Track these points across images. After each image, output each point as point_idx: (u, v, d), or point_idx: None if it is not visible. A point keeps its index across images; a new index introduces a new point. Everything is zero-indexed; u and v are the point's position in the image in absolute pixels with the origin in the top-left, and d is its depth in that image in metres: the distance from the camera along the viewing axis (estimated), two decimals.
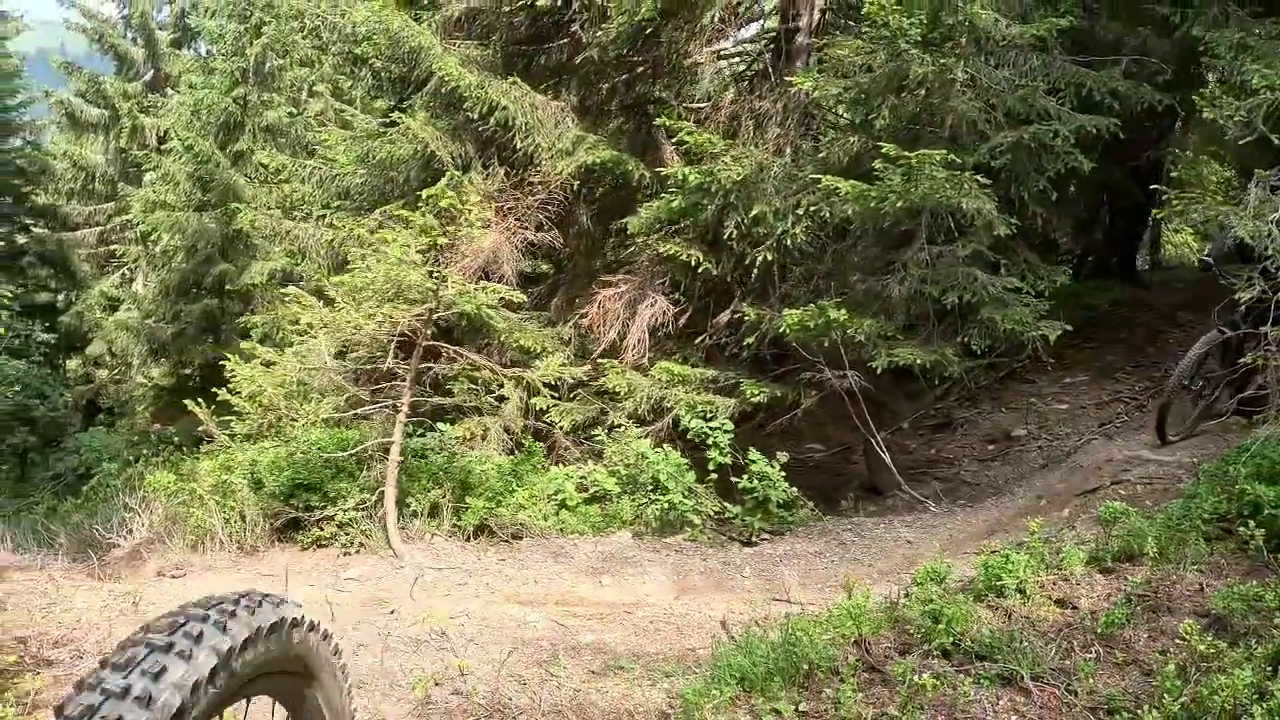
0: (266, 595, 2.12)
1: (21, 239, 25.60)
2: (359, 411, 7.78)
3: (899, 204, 7.82)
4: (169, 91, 24.88)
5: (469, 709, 4.17)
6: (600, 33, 9.62)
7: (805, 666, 4.16)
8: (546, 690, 4.41)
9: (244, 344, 8.30)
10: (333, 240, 11.18)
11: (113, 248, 25.25)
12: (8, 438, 19.74)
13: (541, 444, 9.26)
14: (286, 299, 7.72)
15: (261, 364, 8.04)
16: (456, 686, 4.40)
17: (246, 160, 19.76)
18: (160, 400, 20.93)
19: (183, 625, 1.85)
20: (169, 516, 8.54)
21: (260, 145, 19.29)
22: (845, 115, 9.13)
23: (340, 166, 11.72)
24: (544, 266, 11.67)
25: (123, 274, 25.62)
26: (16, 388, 18.75)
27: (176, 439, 14.25)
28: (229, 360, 8.50)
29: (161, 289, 20.65)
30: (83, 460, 19.67)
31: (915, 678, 3.89)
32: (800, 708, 3.95)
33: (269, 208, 15.11)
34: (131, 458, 15.86)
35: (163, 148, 22.42)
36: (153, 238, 21.02)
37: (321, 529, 7.54)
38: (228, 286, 19.80)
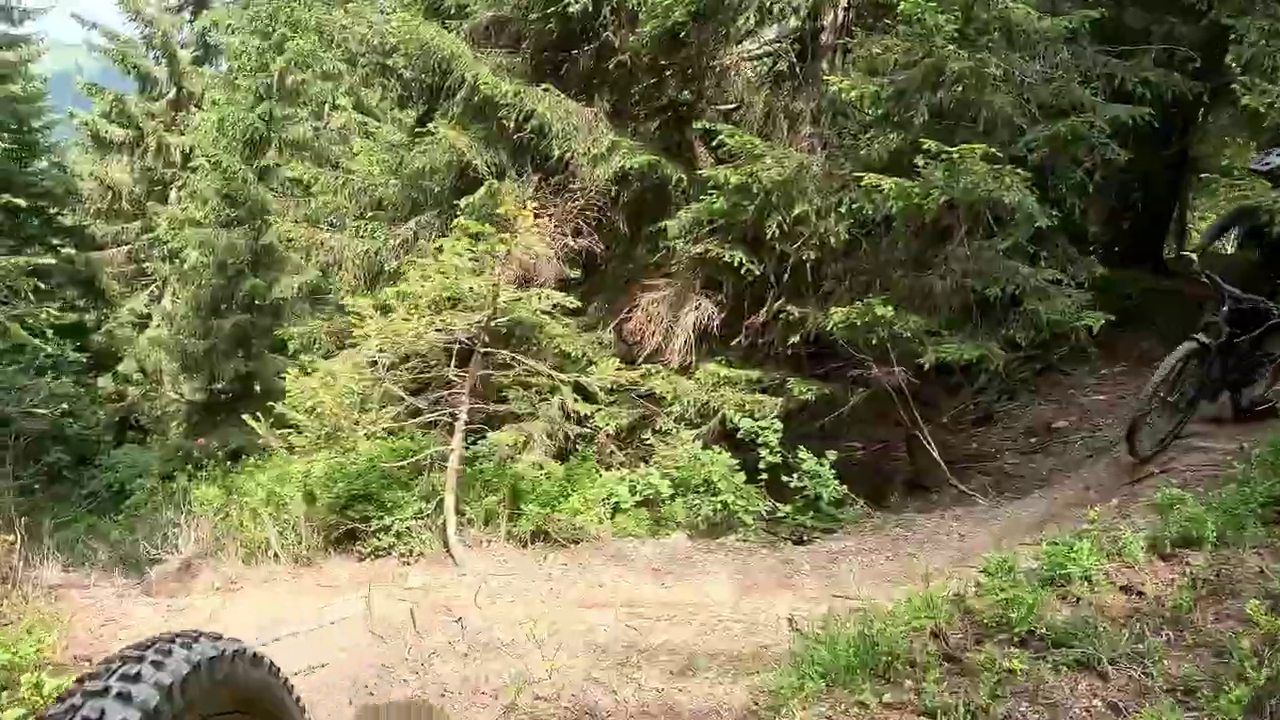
0: (204, 633, 2.10)
1: (51, 260, 25.79)
2: (418, 421, 7.82)
3: (942, 199, 7.84)
4: (193, 109, 25.05)
5: (556, 713, 4.22)
6: (632, 38, 9.66)
7: (885, 659, 4.22)
8: (628, 691, 4.46)
9: (303, 357, 8.35)
10: (368, 250, 11.27)
11: (141, 266, 25.41)
12: (43, 457, 19.85)
13: (591, 449, 9.30)
14: (348, 310, 7.74)
15: (320, 374, 8.08)
16: (539, 692, 4.44)
17: (273, 175, 19.90)
18: (194, 417, 21.07)
19: (119, 668, 1.85)
20: (219, 531, 8.60)
21: (286, 159, 19.41)
22: (876, 112, 9.12)
23: (373, 177, 11.79)
24: (578, 273, 11.72)
25: (151, 292, 25.78)
26: (49, 409, 18.83)
27: (220, 453, 14.35)
28: (287, 374, 8.56)
29: (192, 305, 20.75)
30: (118, 478, 19.84)
31: (1000, 664, 3.97)
32: (884, 699, 4.00)
33: (299, 221, 15.20)
34: (171, 473, 15.96)
35: (188, 165, 22.58)
36: (181, 255, 21.16)
37: (379, 539, 7.58)
38: (258, 301, 19.92)
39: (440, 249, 7.06)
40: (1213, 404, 7.90)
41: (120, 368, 24.81)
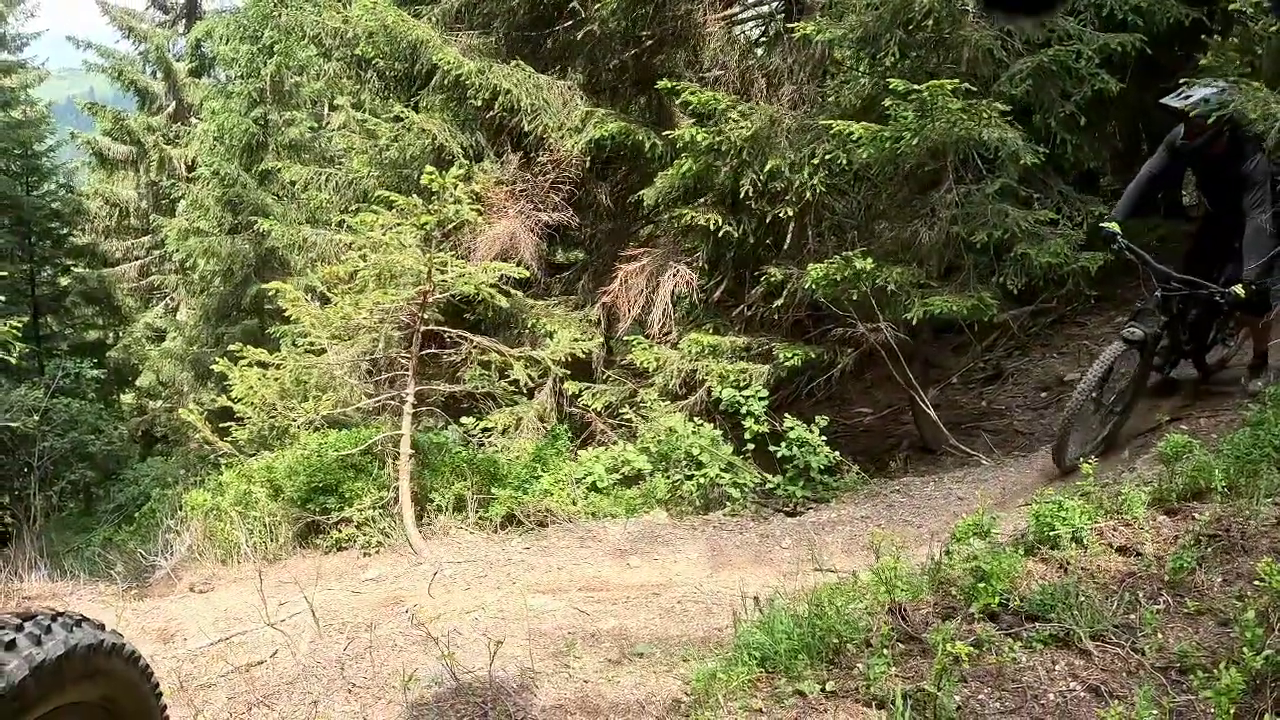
0: (88, 619, 1.96)
1: (64, 280, 26.02)
2: (363, 405, 7.59)
3: (915, 143, 7.44)
4: (192, 120, 25.12)
5: (461, 708, 3.92)
6: (599, 5, 9.37)
7: (834, 640, 3.83)
8: (554, 683, 4.15)
9: (231, 346, 8.16)
10: (350, 244, 11.07)
11: (153, 279, 25.55)
12: (68, 475, 19.96)
13: (580, 430, 9.08)
14: (271, 293, 7.54)
15: (255, 364, 7.87)
16: (453, 685, 4.15)
17: (273, 179, 19.80)
18: (213, 424, 21.05)
19: None
20: (205, 534, 8.49)
21: (285, 162, 19.31)
22: (845, 55, 8.76)
23: (354, 171, 11.62)
24: (575, 254, 11.49)
25: (165, 304, 25.93)
26: (68, 428, 18.89)
27: (212, 457, 14.28)
28: (217, 363, 8.39)
29: (202, 314, 20.83)
30: (143, 490, 19.91)
31: (950, 646, 3.47)
32: (827, 686, 3.62)
33: (296, 222, 15.10)
34: (171, 480, 15.99)
35: (191, 175, 22.62)
36: (189, 265, 21.20)
37: (340, 531, 7.40)
38: (266, 305, 19.86)
39: (363, 223, 6.79)
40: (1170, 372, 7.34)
41: (140, 381, 24.93)
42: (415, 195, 6.76)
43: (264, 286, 8.08)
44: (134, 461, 22.33)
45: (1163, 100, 6.56)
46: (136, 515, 16.53)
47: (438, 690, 4.06)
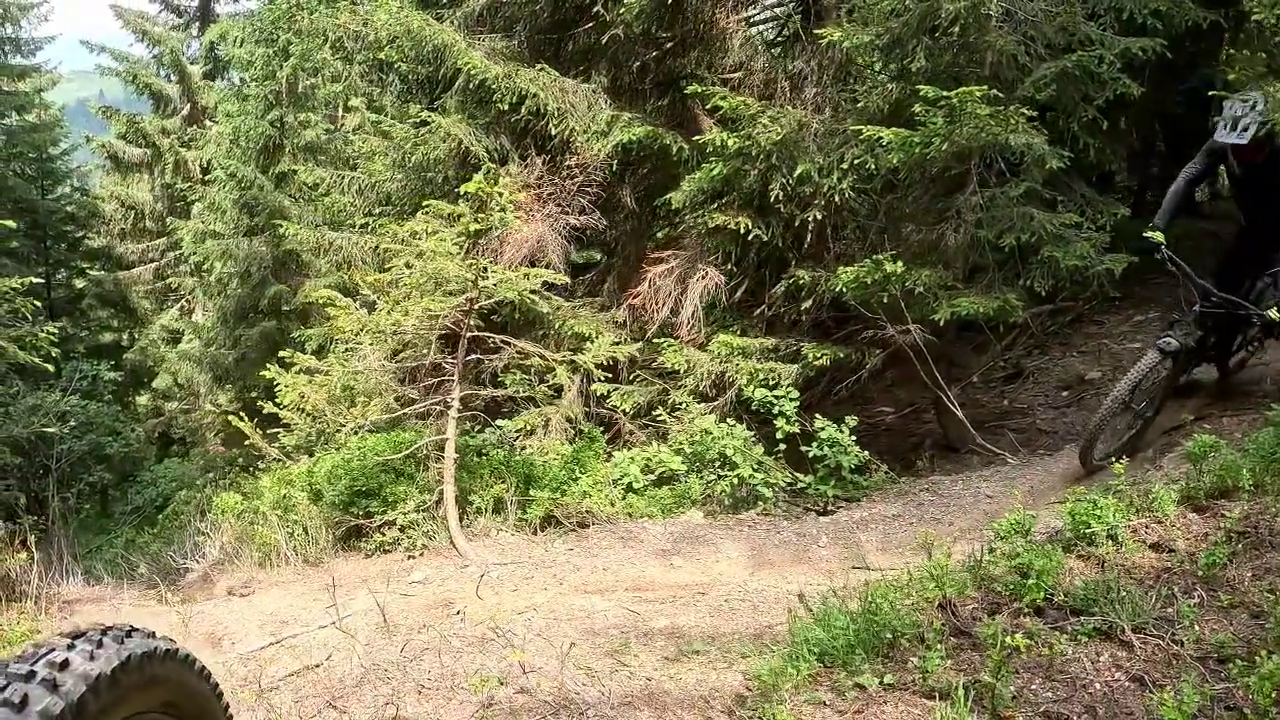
0: (137, 629, 2.00)
1: (80, 283, 26.15)
2: (409, 411, 7.69)
3: (944, 147, 7.54)
4: (207, 123, 25.21)
5: (534, 706, 4.02)
6: (622, 10, 9.44)
7: (888, 635, 3.95)
8: (616, 681, 4.25)
9: (282, 353, 8.23)
10: (377, 247, 11.16)
11: (169, 282, 25.66)
12: (86, 477, 20.07)
13: (605, 430, 9.16)
14: (321, 303, 7.62)
15: (303, 371, 7.96)
16: (522, 684, 4.25)
17: (290, 181, 19.88)
18: (230, 426, 21.15)
19: (46, 654, 1.75)
20: (237, 537, 8.57)
21: (301, 164, 19.38)
22: (872, 62, 8.84)
23: (377, 174, 11.70)
24: (595, 255, 11.56)
25: (181, 306, 26.04)
26: (85, 430, 18.98)
27: (240, 461, 14.36)
28: (267, 370, 8.47)
29: (219, 316, 20.86)
30: (161, 491, 20.04)
31: (1007, 639, 3.62)
32: (885, 680, 3.74)
33: (315, 224, 15.17)
34: (200, 483, 16.05)
35: (207, 178, 22.70)
36: (205, 267, 21.27)
37: (384, 534, 7.46)
38: (284, 307, 19.94)
39: (414, 233, 6.88)
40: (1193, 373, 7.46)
41: (156, 383, 25.05)
42: (460, 201, 6.83)
43: (311, 295, 8.12)
44: (150, 463, 22.48)
45: (1221, 139, 6.48)
46: (160, 518, 16.68)
47: (508, 690, 4.17)
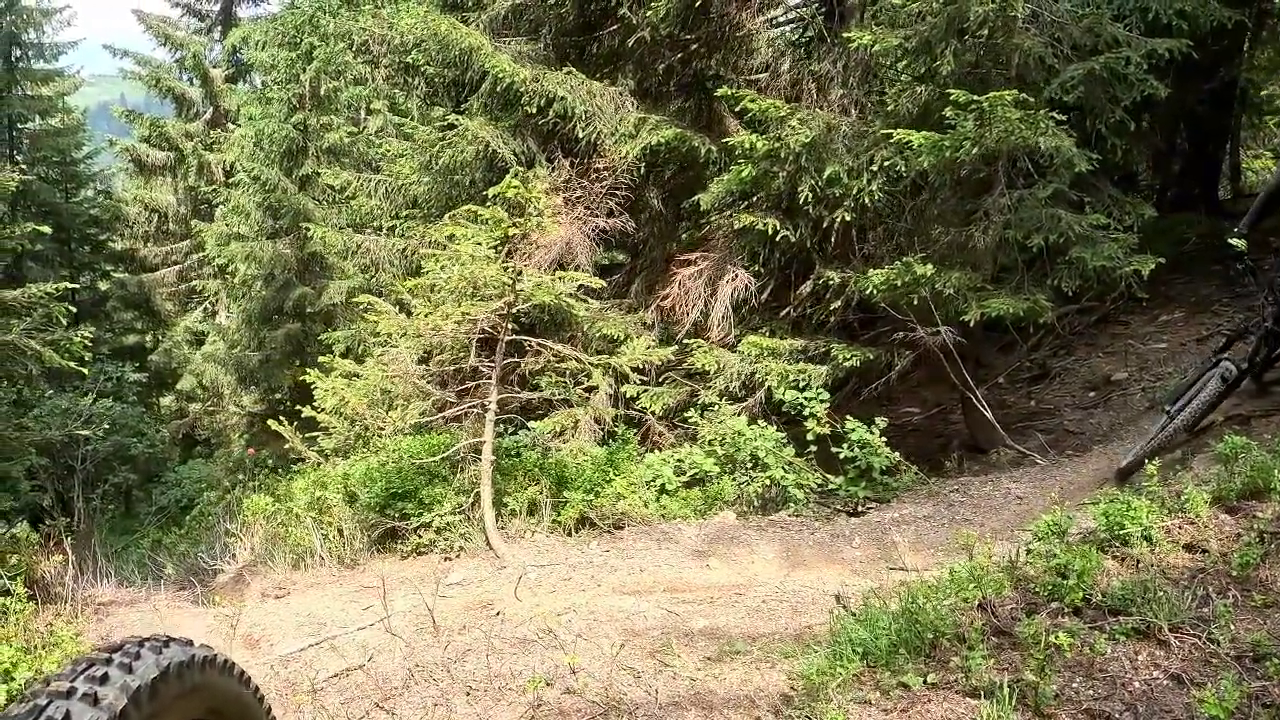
0: (174, 638, 2.03)
1: (104, 285, 26.35)
2: (447, 414, 7.73)
3: (975, 150, 7.58)
4: (229, 126, 25.36)
5: (582, 707, 4.07)
6: (649, 13, 9.49)
7: (930, 635, 3.99)
8: (662, 681, 4.30)
9: (322, 358, 8.31)
10: (405, 249, 11.24)
11: (192, 284, 25.84)
12: (111, 477, 20.25)
13: (635, 431, 9.20)
14: (362, 309, 7.69)
15: (343, 376, 8.04)
16: (568, 685, 4.31)
17: (313, 183, 20.00)
18: (254, 427, 21.30)
19: (86, 669, 1.79)
20: (269, 538, 8.61)
21: (325, 167, 19.49)
22: (901, 65, 8.86)
23: (406, 177, 11.77)
24: (620, 256, 11.60)
25: (204, 308, 26.20)
26: (110, 431, 19.13)
27: (270, 462, 14.45)
28: (308, 375, 8.53)
29: (244, 318, 20.98)
30: (184, 492, 20.18)
31: (1049, 638, 3.68)
32: (929, 679, 3.78)
33: (340, 227, 15.26)
34: (229, 485, 16.13)
35: (230, 181, 22.85)
36: (229, 269, 21.41)
37: (420, 536, 7.51)
38: (309, 309, 20.05)
39: (451, 237, 6.93)
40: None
41: (180, 385, 25.22)
42: (489, 205, 6.89)
43: (355, 300, 8.19)
44: (174, 464, 22.63)
45: None
46: (186, 519, 16.79)
47: (555, 691, 4.22)
